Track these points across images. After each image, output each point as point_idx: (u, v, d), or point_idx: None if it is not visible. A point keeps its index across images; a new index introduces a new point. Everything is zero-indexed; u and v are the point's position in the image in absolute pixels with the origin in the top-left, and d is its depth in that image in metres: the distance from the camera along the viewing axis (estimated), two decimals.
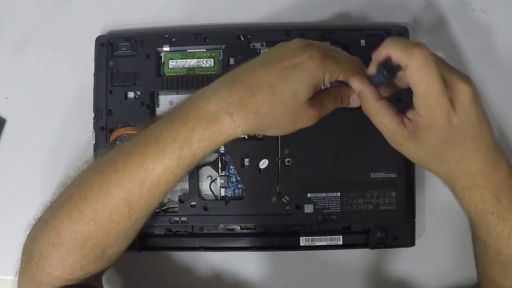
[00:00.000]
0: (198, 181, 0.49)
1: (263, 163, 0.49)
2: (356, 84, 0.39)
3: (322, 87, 0.40)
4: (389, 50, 0.37)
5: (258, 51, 0.50)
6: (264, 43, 0.50)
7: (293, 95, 0.37)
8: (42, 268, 0.40)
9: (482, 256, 0.46)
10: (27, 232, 0.43)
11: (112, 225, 0.40)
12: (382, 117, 0.39)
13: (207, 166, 0.49)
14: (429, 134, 0.38)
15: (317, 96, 0.39)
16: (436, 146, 0.38)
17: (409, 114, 0.39)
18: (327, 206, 0.49)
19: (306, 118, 0.39)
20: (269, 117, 0.38)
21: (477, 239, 0.45)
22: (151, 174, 0.39)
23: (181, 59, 0.50)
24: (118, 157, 0.40)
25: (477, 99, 0.38)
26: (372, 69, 0.39)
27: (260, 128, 0.39)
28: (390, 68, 0.37)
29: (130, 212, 0.40)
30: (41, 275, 0.40)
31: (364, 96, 0.39)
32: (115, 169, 0.39)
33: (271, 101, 0.37)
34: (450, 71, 0.37)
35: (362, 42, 0.50)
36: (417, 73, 0.36)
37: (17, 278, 0.42)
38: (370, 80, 0.39)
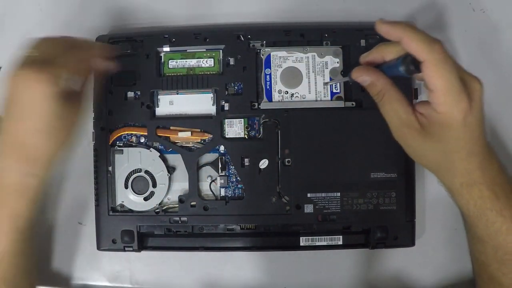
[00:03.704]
0: (198, 181, 0.49)
1: (263, 163, 0.49)
2: (360, 72, 0.39)
3: None
4: (405, 39, 0.36)
5: (258, 51, 0.50)
6: (264, 43, 0.50)
7: (47, 123, 0.37)
8: None
9: (479, 254, 0.46)
10: None
11: None
12: (396, 105, 0.39)
13: (207, 166, 0.49)
14: (445, 132, 0.38)
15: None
16: (446, 143, 0.38)
17: (421, 108, 0.38)
18: (327, 206, 0.49)
19: (76, 114, 0.40)
20: (49, 154, 0.39)
21: (475, 237, 0.45)
22: None
23: (181, 59, 0.50)
24: None
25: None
26: (372, 56, 0.39)
27: (52, 161, 0.40)
28: (415, 62, 0.36)
29: None
30: None
31: (376, 83, 0.39)
32: None
33: (42, 145, 0.38)
34: (462, 69, 0.38)
35: (362, 42, 0.50)
36: (438, 69, 0.36)
37: None
38: (383, 68, 0.39)
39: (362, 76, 0.39)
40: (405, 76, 0.38)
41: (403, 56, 0.37)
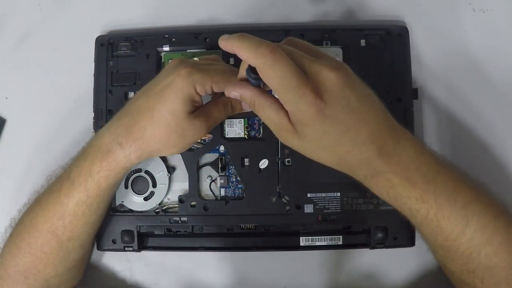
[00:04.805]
0: (198, 181, 0.49)
1: (263, 163, 0.49)
2: (230, 89, 0.39)
3: None
4: (236, 51, 0.36)
5: None
6: None
7: (170, 113, 0.40)
8: None
9: (426, 242, 0.43)
10: None
11: (45, 256, 0.44)
12: (267, 111, 0.38)
13: (207, 166, 0.49)
14: (306, 129, 0.37)
15: (203, 107, 0.42)
16: (317, 139, 0.37)
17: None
18: (327, 206, 0.49)
19: (195, 131, 0.41)
20: (155, 139, 0.41)
21: (414, 225, 0.42)
22: (67, 207, 0.43)
23: None
24: (42, 196, 0.45)
25: (351, 83, 0.36)
26: (242, 72, 0.39)
27: (152, 151, 0.42)
28: (253, 70, 0.37)
29: (59, 243, 0.44)
30: None
31: (244, 96, 0.39)
32: (40, 207, 0.45)
33: (152, 124, 0.41)
34: (313, 61, 0.36)
35: (362, 42, 0.50)
36: (268, 71, 0.35)
37: None
38: (250, 82, 0.39)
39: (231, 92, 0.40)
40: (258, 84, 0.39)
41: (247, 68, 0.38)
